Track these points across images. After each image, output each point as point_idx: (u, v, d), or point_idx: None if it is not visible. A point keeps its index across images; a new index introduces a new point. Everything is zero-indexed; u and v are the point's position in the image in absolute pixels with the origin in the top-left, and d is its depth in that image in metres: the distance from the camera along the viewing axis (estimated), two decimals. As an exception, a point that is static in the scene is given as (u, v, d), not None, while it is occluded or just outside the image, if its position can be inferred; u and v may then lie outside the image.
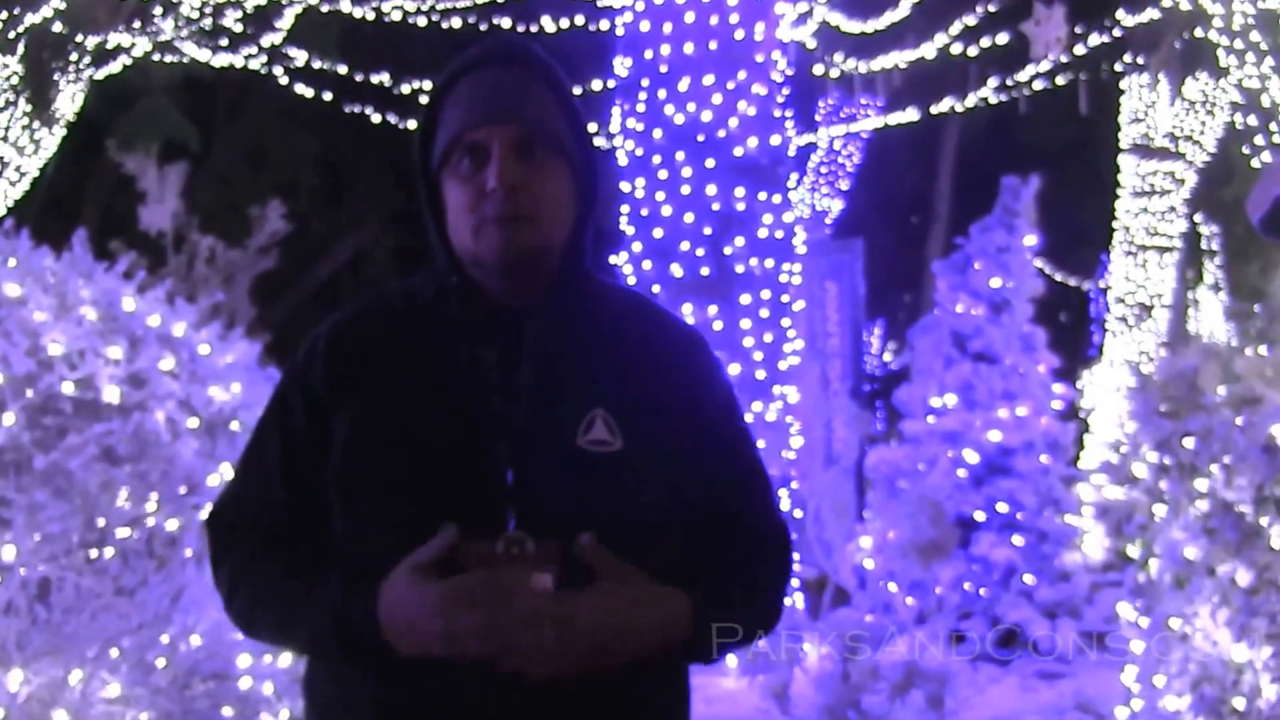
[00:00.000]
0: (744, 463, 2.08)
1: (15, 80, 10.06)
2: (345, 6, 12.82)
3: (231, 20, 11.85)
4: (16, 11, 9.86)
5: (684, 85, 9.12)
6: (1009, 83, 14.50)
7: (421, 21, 13.28)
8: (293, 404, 2.01)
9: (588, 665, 1.79)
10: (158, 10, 10.99)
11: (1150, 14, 13.52)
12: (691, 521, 1.95)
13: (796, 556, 8.91)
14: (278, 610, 1.95)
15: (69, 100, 10.61)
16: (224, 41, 12.29)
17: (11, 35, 9.92)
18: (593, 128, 12.18)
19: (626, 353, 1.99)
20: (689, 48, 9.16)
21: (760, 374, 8.98)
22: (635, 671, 1.88)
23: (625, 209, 9.27)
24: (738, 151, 9.09)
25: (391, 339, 1.99)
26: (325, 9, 12.74)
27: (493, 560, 1.79)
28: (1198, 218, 16.89)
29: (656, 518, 1.90)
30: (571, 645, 1.77)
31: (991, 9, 13.61)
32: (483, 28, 13.18)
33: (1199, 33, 13.11)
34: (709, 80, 9.13)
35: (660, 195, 9.10)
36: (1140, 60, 14.74)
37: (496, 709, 1.83)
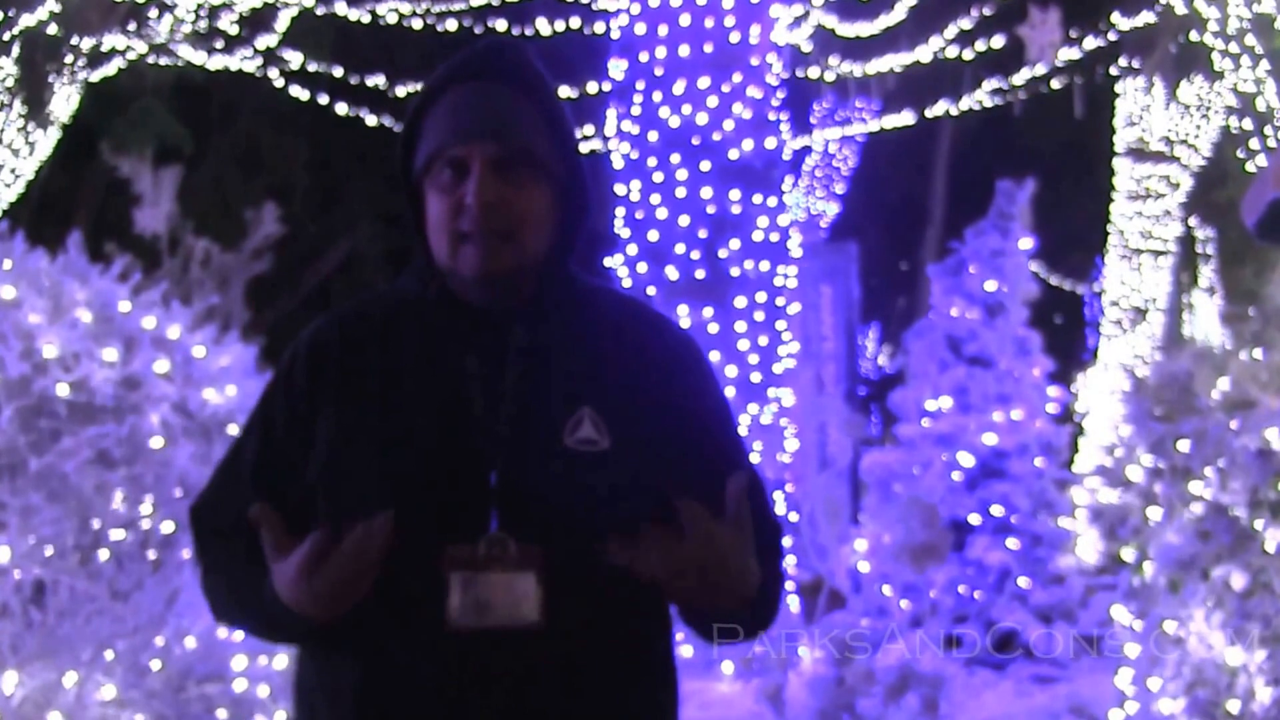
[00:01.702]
0: (734, 464, 2.06)
1: (10, 82, 10.05)
2: (340, 9, 12.82)
3: (226, 23, 11.84)
4: (11, 13, 9.86)
5: (679, 88, 9.12)
6: (1004, 86, 14.51)
7: (416, 24, 13.27)
8: (274, 408, 2.03)
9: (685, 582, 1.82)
10: (152, 13, 10.99)
11: (1145, 17, 13.54)
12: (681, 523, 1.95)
13: (793, 559, 8.85)
14: (236, 597, 1.99)
15: (63, 102, 10.60)
16: (219, 44, 12.28)
17: (6, 37, 9.91)
18: (588, 131, 12.16)
19: (616, 353, 1.99)
20: (684, 50, 9.16)
21: (755, 377, 8.97)
22: (624, 665, 1.90)
23: (620, 212, 9.27)
24: (733, 154, 9.09)
25: (376, 342, 2.00)
26: (320, 12, 12.73)
27: (474, 562, 1.79)
28: (1192, 221, 16.92)
29: (644, 518, 1.89)
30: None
31: (986, 12, 13.62)
32: (478, 30, 13.17)
33: (1194, 36, 13.15)
34: (704, 83, 9.13)
35: (655, 198, 9.10)
36: (1135, 64, 14.75)
37: (479, 702, 1.83)
